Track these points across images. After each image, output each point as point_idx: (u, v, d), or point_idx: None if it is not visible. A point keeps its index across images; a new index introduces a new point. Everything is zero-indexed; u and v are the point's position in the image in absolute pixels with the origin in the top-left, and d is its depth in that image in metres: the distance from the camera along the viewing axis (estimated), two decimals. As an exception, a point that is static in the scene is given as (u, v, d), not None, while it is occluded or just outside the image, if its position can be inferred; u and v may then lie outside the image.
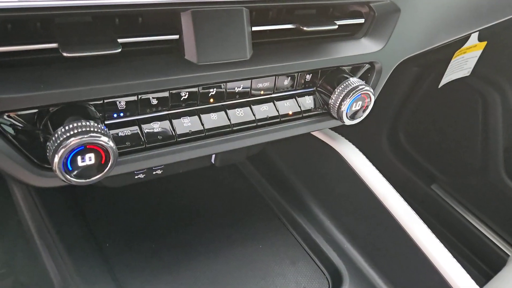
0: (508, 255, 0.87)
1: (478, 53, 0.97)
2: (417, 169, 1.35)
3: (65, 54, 0.32)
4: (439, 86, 0.98)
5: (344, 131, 1.49)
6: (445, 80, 0.96)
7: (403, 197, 0.80)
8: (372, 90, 0.47)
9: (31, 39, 0.33)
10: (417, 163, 1.37)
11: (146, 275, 0.49)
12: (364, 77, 0.52)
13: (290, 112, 0.47)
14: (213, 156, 0.54)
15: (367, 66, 0.51)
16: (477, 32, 0.91)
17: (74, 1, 0.31)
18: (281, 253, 0.55)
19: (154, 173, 0.50)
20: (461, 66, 0.97)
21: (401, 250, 0.51)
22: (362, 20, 0.50)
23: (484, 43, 0.96)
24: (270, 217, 0.58)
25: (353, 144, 0.63)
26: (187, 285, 0.48)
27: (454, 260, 0.50)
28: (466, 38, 0.90)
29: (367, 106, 0.49)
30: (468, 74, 1.03)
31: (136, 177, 0.49)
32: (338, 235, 0.57)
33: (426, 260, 0.49)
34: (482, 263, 0.84)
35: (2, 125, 0.33)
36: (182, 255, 0.52)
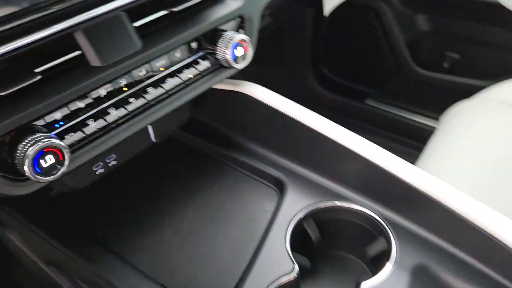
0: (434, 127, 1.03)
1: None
2: (350, 92, 1.50)
3: (2, 94, 0.43)
4: (326, 14, 1.11)
5: (276, 80, 1.61)
6: (329, 7, 1.10)
7: (340, 118, 0.95)
8: (245, 36, 0.60)
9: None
10: (348, 87, 1.52)
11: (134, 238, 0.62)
12: (242, 28, 0.65)
13: (191, 76, 0.59)
14: (151, 135, 0.66)
15: (238, 19, 0.64)
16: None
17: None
18: (235, 187, 0.67)
19: (110, 164, 0.61)
20: None
21: (330, 151, 0.64)
22: (220, -14, 0.62)
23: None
24: (218, 166, 0.71)
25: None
26: (170, 231, 0.61)
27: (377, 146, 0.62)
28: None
29: (249, 47, 0.61)
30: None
31: (97, 172, 0.60)
32: (276, 157, 0.70)
33: (349, 151, 0.62)
34: (416, 142, 1.00)
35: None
36: (157, 217, 0.65)
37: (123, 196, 0.68)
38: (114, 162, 0.62)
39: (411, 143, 1.33)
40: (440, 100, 1.13)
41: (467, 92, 1.10)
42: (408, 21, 1.30)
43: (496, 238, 0.50)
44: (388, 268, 0.54)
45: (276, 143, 0.70)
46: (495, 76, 1.16)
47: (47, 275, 0.67)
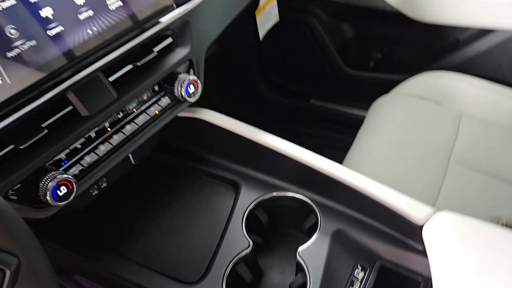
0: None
1: (274, 2, 1.30)
2: (297, 95, 1.71)
3: (21, 147, 0.60)
4: (261, 38, 1.31)
5: (231, 91, 1.79)
6: (262, 32, 1.30)
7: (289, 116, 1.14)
8: (195, 77, 0.79)
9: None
10: (294, 91, 1.74)
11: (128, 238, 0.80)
12: (190, 68, 0.84)
13: (157, 112, 0.78)
14: (131, 159, 0.85)
15: (188, 62, 0.83)
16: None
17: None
18: (201, 191, 0.87)
19: (102, 186, 0.79)
20: (267, 17, 1.31)
21: (271, 156, 0.84)
22: (170, 40, 0.80)
23: (274, -5, 1.30)
24: (186, 176, 0.90)
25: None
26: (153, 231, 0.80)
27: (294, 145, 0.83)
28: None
29: (199, 86, 0.80)
30: (278, 19, 1.38)
31: (93, 194, 0.78)
32: (230, 164, 0.90)
33: (284, 155, 0.82)
34: (355, 130, 1.20)
35: (11, 197, 0.61)
36: (144, 219, 0.83)
37: (115, 208, 0.87)
38: (105, 184, 0.80)
39: (350, 132, 1.56)
40: (370, 93, 1.36)
41: (390, 86, 1.32)
42: (335, 29, 1.52)
43: (379, 201, 0.72)
44: (316, 235, 0.75)
45: (229, 153, 0.89)
46: (410, 70, 1.40)
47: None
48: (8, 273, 0.39)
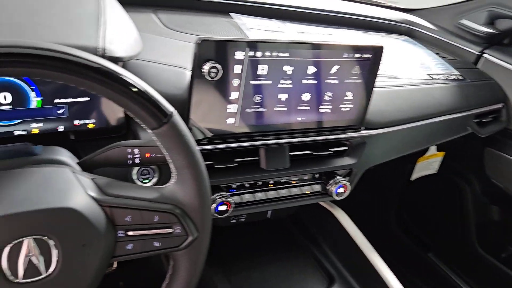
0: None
1: (439, 158, 1.43)
2: (416, 239, 1.77)
3: (216, 166, 0.86)
4: (412, 179, 1.44)
5: (360, 210, 1.93)
6: (416, 175, 1.43)
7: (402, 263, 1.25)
8: (348, 183, 0.98)
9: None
10: (416, 234, 1.80)
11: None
12: (347, 175, 1.03)
13: (307, 192, 0.98)
14: (269, 213, 1.06)
15: (348, 170, 1.02)
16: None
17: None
18: (298, 265, 1.03)
19: (240, 219, 1.01)
20: (427, 166, 1.44)
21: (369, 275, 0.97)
22: (345, 148, 1.01)
23: (443, 153, 1.43)
24: (299, 251, 1.07)
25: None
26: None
27: None
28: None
29: (347, 189, 0.99)
30: (435, 172, 1.50)
31: (231, 221, 1.01)
32: (336, 262, 1.04)
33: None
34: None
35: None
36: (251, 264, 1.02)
37: (238, 239, 1.08)
38: (242, 219, 1.02)
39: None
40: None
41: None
42: (482, 206, 1.56)
43: None
44: None
45: (342, 252, 1.04)
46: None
47: None
48: (190, 238, 0.59)
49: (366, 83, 0.90)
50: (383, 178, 1.75)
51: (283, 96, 0.85)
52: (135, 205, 0.55)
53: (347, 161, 1.00)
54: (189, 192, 0.57)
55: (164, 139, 0.53)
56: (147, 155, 0.66)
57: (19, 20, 0.65)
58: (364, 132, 0.99)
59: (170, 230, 0.57)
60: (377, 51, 0.87)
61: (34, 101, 0.69)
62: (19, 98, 0.68)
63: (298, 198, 0.97)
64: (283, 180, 0.95)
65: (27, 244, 0.48)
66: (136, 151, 0.65)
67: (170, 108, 0.52)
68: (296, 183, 0.97)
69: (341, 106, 0.90)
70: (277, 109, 0.86)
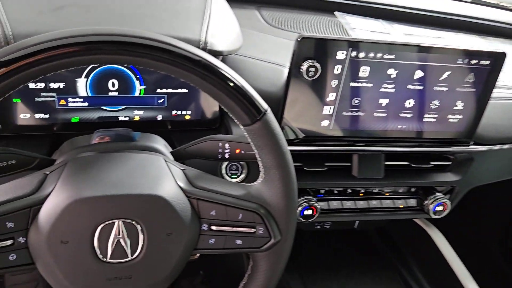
0: None
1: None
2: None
3: (305, 169, 0.83)
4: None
5: (458, 232, 1.77)
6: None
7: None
8: (449, 202, 0.88)
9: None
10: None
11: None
12: (448, 192, 0.93)
13: (401, 206, 0.91)
14: (356, 224, 1.00)
15: (450, 187, 0.93)
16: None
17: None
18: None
19: (326, 226, 0.97)
20: None
21: None
22: (449, 162, 0.92)
23: None
24: (386, 277, 1.00)
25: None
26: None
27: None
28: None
29: (447, 208, 0.90)
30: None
31: (315, 226, 0.97)
32: (426, 286, 0.96)
33: None
34: None
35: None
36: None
37: (319, 247, 1.04)
38: (327, 227, 0.98)
39: None
40: None
41: None
42: None
43: None
44: None
45: (431, 276, 0.95)
46: None
47: None
48: (272, 241, 0.57)
49: (480, 93, 0.80)
50: (489, 200, 1.58)
51: (384, 101, 0.79)
52: (221, 200, 0.55)
53: (450, 177, 0.91)
54: (275, 193, 0.55)
55: (255, 137, 0.52)
56: (237, 150, 0.65)
57: (128, 11, 0.69)
58: (473, 148, 0.89)
59: (253, 230, 0.56)
60: (498, 58, 0.78)
61: (139, 89, 0.72)
62: (125, 85, 0.71)
63: (390, 211, 0.91)
64: (375, 191, 0.89)
65: (118, 226, 0.50)
66: (227, 145, 0.65)
67: (264, 105, 0.51)
68: (389, 195, 0.90)
69: (449, 116, 0.82)
70: (376, 114, 0.80)
